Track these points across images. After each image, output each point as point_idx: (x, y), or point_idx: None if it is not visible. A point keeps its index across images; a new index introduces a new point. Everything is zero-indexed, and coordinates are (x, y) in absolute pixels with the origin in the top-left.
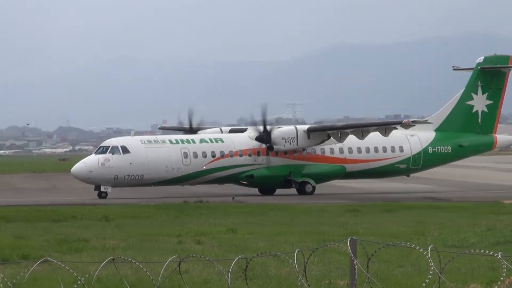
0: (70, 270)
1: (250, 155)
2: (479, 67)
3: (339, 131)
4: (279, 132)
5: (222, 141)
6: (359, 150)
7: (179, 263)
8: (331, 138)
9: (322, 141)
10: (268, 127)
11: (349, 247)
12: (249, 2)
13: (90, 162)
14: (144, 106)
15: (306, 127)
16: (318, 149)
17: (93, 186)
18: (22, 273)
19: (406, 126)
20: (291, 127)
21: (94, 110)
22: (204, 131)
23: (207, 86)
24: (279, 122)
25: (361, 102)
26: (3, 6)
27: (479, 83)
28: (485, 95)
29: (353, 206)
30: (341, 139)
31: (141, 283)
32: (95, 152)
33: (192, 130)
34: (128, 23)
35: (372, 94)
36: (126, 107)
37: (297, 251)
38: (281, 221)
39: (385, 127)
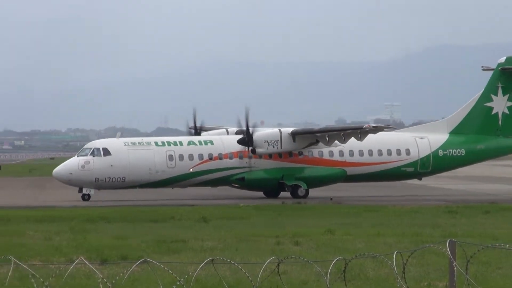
0: (169, 271)
1: (241, 158)
2: (499, 68)
3: (327, 134)
4: (262, 135)
5: (212, 143)
6: (361, 153)
7: (278, 264)
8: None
9: (310, 145)
10: (251, 130)
11: (448, 249)
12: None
13: (70, 164)
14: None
15: (290, 130)
16: (316, 152)
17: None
18: (121, 274)
19: (371, 131)
20: (275, 130)
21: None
22: (207, 132)
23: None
24: (378, 122)
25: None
26: (125, 6)
27: (500, 84)
28: (506, 96)
29: (450, 207)
30: (328, 142)
31: (240, 284)
32: (77, 154)
33: (196, 131)
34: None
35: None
36: (218, 108)
37: (396, 253)
38: (377, 222)
39: (359, 131)
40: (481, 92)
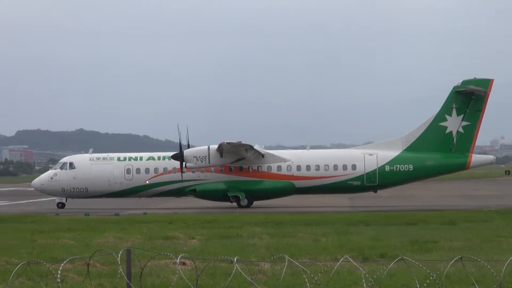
0: (423, 268)
1: (193, 172)
2: (455, 90)
3: (252, 151)
4: (191, 151)
5: (169, 159)
6: (308, 168)
7: None
8: (248, 157)
9: (238, 160)
10: (183, 147)
11: None
12: None
13: (43, 176)
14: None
15: (216, 146)
16: (264, 167)
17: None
18: (381, 270)
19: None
20: (204, 147)
21: None
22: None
23: None
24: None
25: None
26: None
27: (454, 105)
28: (460, 116)
29: None
30: (251, 157)
31: (484, 279)
32: (52, 168)
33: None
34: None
35: None
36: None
37: None
38: None
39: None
40: (436, 112)
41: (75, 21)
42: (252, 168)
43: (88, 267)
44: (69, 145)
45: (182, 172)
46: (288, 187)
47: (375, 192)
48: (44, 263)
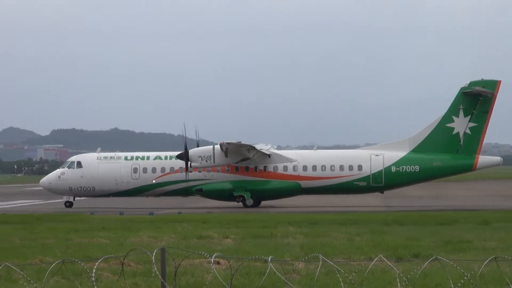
0: (458, 268)
1: (200, 171)
2: (462, 91)
3: (254, 151)
4: (196, 151)
5: (176, 158)
6: (314, 168)
7: None
8: (252, 157)
9: (242, 160)
10: (188, 147)
11: None
12: None
13: (51, 175)
14: None
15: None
16: (271, 167)
17: None
18: (415, 270)
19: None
20: (209, 147)
21: None
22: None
23: None
24: None
25: None
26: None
27: (461, 106)
28: (468, 118)
29: None
30: (254, 157)
31: None
32: (60, 167)
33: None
34: None
35: None
36: None
37: None
38: None
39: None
40: (443, 114)
41: (133, 22)
42: (258, 168)
43: (122, 266)
44: (103, 144)
45: (187, 171)
46: (294, 187)
47: (382, 193)
48: (79, 262)
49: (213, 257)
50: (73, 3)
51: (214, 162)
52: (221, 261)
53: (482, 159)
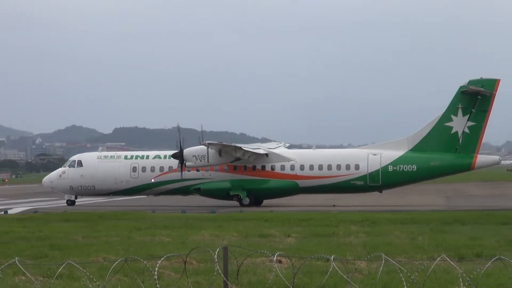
0: None
1: (198, 170)
2: (461, 90)
3: (242, 151)
4: (190, 150)
5: None
6: (311, 167)
7: None
8: (245, 156)
9: (236, 159)
10: (183, 146)
11: None
12: None
13: (52, 174)
14: None
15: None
16: (268, 166)
17: None
18: (478, 269)
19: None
20: (203, 147)
21: None
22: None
23: None
24: None
25: None
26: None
27: (460, 105)
28: (466, 117)
29: None
30: (245, 157)
31: None
32: (63, 165)
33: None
34: None
35: None
36: None
37: None
38: None
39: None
40: (442, 113)
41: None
42: (256, 168)
43: (185, 265)
44: (165, 142)
45: (182, 171)
46: (291, 187)
47: (380, 192)
48: (141, 260)
49: (275, 256)
50: (151, 4)
51: (208, 161)
52: (283, 259)
53: (481, 158)
